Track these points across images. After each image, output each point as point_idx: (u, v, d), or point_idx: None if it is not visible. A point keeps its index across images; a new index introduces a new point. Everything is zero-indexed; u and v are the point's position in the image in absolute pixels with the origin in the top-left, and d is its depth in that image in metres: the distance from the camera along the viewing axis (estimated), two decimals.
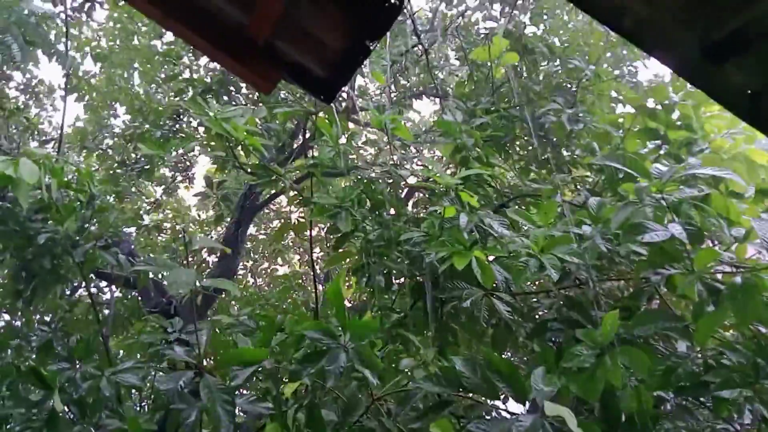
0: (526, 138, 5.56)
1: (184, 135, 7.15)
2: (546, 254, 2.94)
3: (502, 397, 2.55)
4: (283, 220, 9.91)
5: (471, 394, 2.60)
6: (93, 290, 6.68)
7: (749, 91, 1.19)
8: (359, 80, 9.41)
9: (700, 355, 2.57)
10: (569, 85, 6.02)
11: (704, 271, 2.53)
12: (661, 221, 2.75)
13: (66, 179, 4.18)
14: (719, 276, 2.66)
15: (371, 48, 1.87)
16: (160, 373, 3.78)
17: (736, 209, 2.72)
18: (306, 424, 2.76)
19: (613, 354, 2.37)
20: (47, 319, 5.87)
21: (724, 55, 1.13)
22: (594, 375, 2.37)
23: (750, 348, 2.53)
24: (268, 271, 11.48)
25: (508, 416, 2.60)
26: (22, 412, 3.41)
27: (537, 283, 4.01)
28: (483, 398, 2.57)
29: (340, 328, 2.76)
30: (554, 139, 5.32)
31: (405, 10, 6.02)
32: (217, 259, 8.79)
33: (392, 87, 8.03)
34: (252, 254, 11.07)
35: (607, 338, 2.38)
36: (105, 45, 9.15)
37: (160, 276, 6.76)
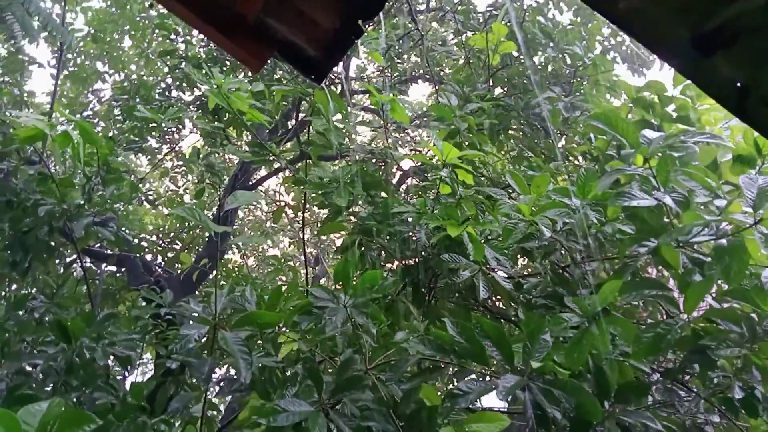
0: (522, 125, 5.54)
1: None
2: (537, 215, 2.94)
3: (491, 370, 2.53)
4: (275, 203, 9.88)
5: (461, 360, 2.58)
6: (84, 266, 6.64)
7: (738, 84, 1.18)
8: (356, 61, 9.32)
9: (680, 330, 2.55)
10: (567, 72, 5.98)
11: (687, 231, 2.50)
12: (647, 192, 2.74)
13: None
14: (703, 248, 2.66)
15: (364, 28, 1.84)
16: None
17: (716, 179, 2.72)
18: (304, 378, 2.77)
19: (601, 322, 2.32)
20: (34, 291, 5.85)
21: (713, 47, 1.12)
22: (580, 343, 2.32)
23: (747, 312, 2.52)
24: (258, 250, 11.47)
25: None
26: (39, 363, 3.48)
27: (529, 269, 4.03)
28: (471, 364, 2.57)
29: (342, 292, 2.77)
30: (550, 128, 5.30)
31: None
32: (207, 237, 8.77)
33: (389, 70, 7.96)
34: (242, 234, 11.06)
35: (602, 305, 2.33)
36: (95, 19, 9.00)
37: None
